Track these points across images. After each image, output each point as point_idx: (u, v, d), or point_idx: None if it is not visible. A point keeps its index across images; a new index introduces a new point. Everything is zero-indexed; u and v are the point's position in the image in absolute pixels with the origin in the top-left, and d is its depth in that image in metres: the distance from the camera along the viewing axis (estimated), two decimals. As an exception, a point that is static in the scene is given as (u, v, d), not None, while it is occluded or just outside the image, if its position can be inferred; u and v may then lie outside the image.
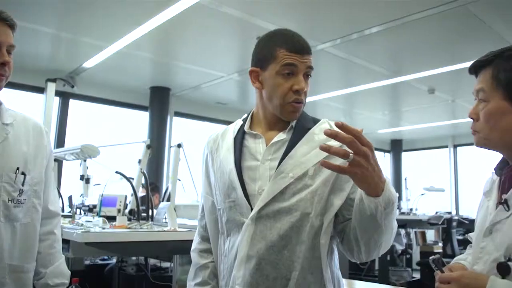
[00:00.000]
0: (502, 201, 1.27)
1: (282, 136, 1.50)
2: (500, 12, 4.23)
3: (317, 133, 1.50)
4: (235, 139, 1.56)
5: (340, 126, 1.15)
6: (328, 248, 1.44)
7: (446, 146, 10.92)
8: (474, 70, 1.38)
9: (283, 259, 1.38)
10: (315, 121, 1.57)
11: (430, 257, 1.36)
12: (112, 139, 6.76)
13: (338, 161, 1.26)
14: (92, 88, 6.86)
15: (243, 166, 1.48)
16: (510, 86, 1.25)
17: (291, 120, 1.51)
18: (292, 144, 1.46)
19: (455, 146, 10.84)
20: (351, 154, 1.16)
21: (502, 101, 1.26)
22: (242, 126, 1.58)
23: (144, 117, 7.36)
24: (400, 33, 4.87)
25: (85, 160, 3.96)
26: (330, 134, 1.16)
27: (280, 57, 1.43)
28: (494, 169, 1.39)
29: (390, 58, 5.93)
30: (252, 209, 1.42)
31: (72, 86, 6.26)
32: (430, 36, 4.99)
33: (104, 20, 4.57)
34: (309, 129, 1.51)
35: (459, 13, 4.25)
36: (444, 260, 1.48)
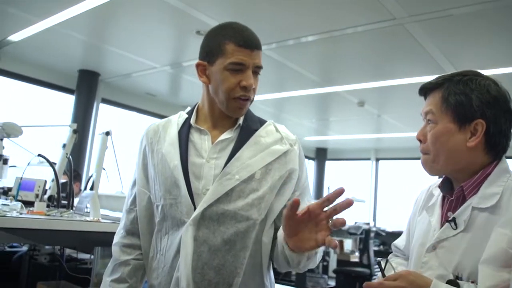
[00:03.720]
0: (450, 219, 1.30)
1: (228, 134, 1.45)
2: (434, 34, 4.40)
3: (263, 136, 1.47)
4: (179, 132, 1.47)
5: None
6: (268, 253, 1.43)
7: (369, 159, 11.27)
8: (424, 91, 1.41)
9: (226, 265, 1.34)
10: (261, 122, 1.53)
11: (378, 258, 1.36)
12: (31, 120, 6.39)
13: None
14: (16, 64, 6.42)
15: (188, 162, 1.41)
16: (458, 109, 1.29)
17: (236, 116, 1.46)
18: (238, 145, 1.42)
19: (377, 160, 11.21)
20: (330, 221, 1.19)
21: (449, 124, 1.30)
22: (187, 119, 1.50)
23: (68, 100, 6.99)
24: (336, 44, 4.97)
25: (1, 139, 3.70)
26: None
27: (229, 51, 1.37)
28: (439, 186, 1.43)
29: (323, 68, 6.04)
30: (195, 208, 1.35)
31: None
32: (365, 50, 5.13)
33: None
34: (256, 130, 1.47)
35: (395, 31, 4.38)
36: (361, 269, 1.49)
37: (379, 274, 1.32)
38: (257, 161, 1.40)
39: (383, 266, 1.32)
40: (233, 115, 1.45)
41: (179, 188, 1.38)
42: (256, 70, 1.41)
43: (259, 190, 1.38)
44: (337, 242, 1.16)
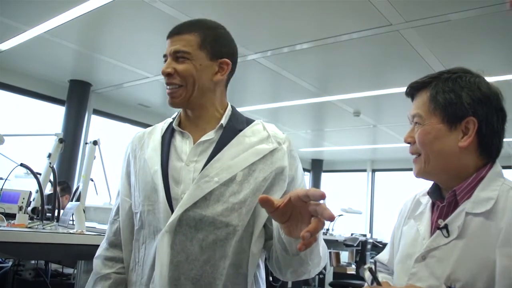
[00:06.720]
0: (442, 226, 1.21)
1: (210, 135, 1.35)
2: (431, 40, 4.32)
3: (248, 135, 1.36)
4: (163, 137, 1.40)
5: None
6: (256, 264, 1.31)
7: (365, 170, 11.22)
8: (411, 92, 1.35)
9: (204, 275, 1.22)
10: (249, 122, 1.43)
11: (365, 266, 1.23)
12: (19, 130, 6.27)
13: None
14: (4, 74, 6.25)
15: (169, 166, 1.32)
16: (448, 108, 1.23)
17: (172, 106, 1.39)
18: (220, 146, 1.32)
19: (373, 171, 11.17)
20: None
21: (439, 125, 1.24)
22: (171, 123, 1.43)
23: (58, 112, 6.86)
24: (331, 52, 4.90)
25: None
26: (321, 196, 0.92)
27: None
28: (428, 193, 1.35)
29: (318, 76, 5.95)
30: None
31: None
32: (360, 58, 5.05)
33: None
34: (241, 130, 1.37)
35: (390, 37, 4.31)
36: (358, 282, 1.39)
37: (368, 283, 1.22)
38: (239, 162, 1.29)
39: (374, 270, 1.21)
40: (170, 106, 1.39)
41: (158, 194, 1.29)
42: (177, 55, 1.34)
43: (240, 193, 1.27)
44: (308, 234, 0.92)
